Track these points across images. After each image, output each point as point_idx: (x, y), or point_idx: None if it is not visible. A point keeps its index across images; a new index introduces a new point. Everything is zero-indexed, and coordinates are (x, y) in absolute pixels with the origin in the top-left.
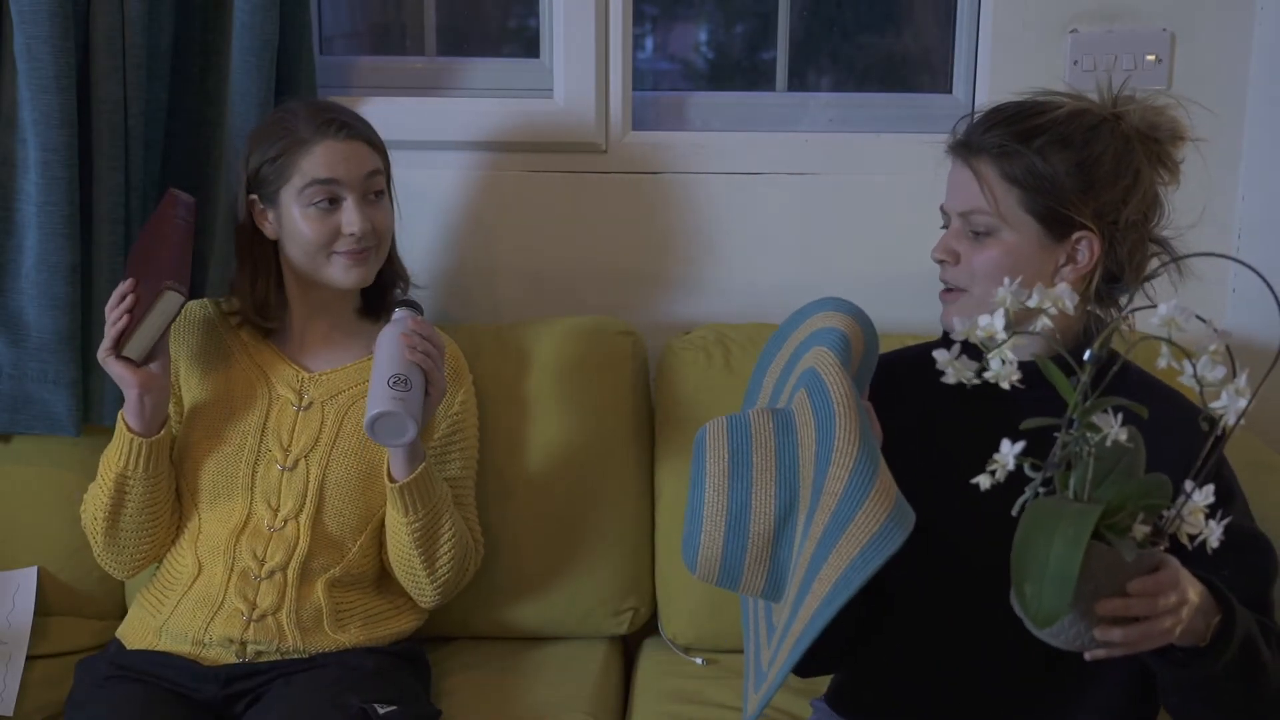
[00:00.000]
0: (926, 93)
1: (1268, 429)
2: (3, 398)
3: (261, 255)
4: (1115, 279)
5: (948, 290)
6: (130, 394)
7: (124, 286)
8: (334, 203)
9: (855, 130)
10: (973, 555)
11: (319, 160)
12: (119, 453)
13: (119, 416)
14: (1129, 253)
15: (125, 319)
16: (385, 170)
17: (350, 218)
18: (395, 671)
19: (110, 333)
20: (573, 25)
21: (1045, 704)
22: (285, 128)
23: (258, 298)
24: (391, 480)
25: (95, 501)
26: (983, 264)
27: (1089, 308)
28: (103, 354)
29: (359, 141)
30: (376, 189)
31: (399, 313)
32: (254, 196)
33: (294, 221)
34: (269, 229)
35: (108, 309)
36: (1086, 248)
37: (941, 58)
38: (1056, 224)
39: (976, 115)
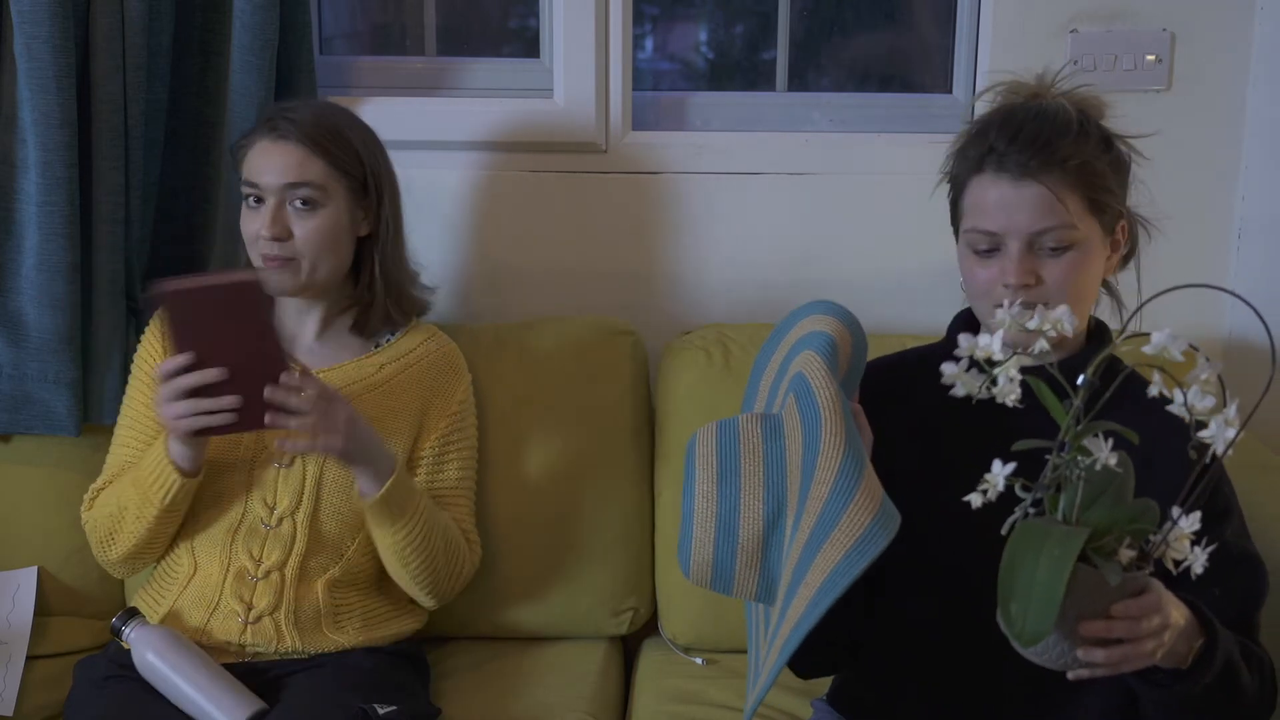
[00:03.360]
0: (926, 93)
1: (1268, 432)
2: (3, 398)
3: None
4: (1127, 256)
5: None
6: (196, 454)
7: (212, 374)
8: (260, 202)
9: (855, 130)
10: (970, 559)
11: (252, 159)
12: (164, 491)
13: (167, 460)
14: (1134, 230)
15: (229, 420)
16: (344, 188)
17: (261, 220)
18: (395, 671)
19: (200, 420)
20: (573, 25)
21: (1042, 707)
22: (263, 116)
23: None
24: (363, 496)
25: (125, 529)
26: (1062, 277)
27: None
28: (181, 433)
29: (293, 144)
30: (306, 199)
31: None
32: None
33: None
34: None
35: (185, 389)
36: (1123, 232)
37: (941, 58)
38: (1110, 218)
39: (1006, 130)
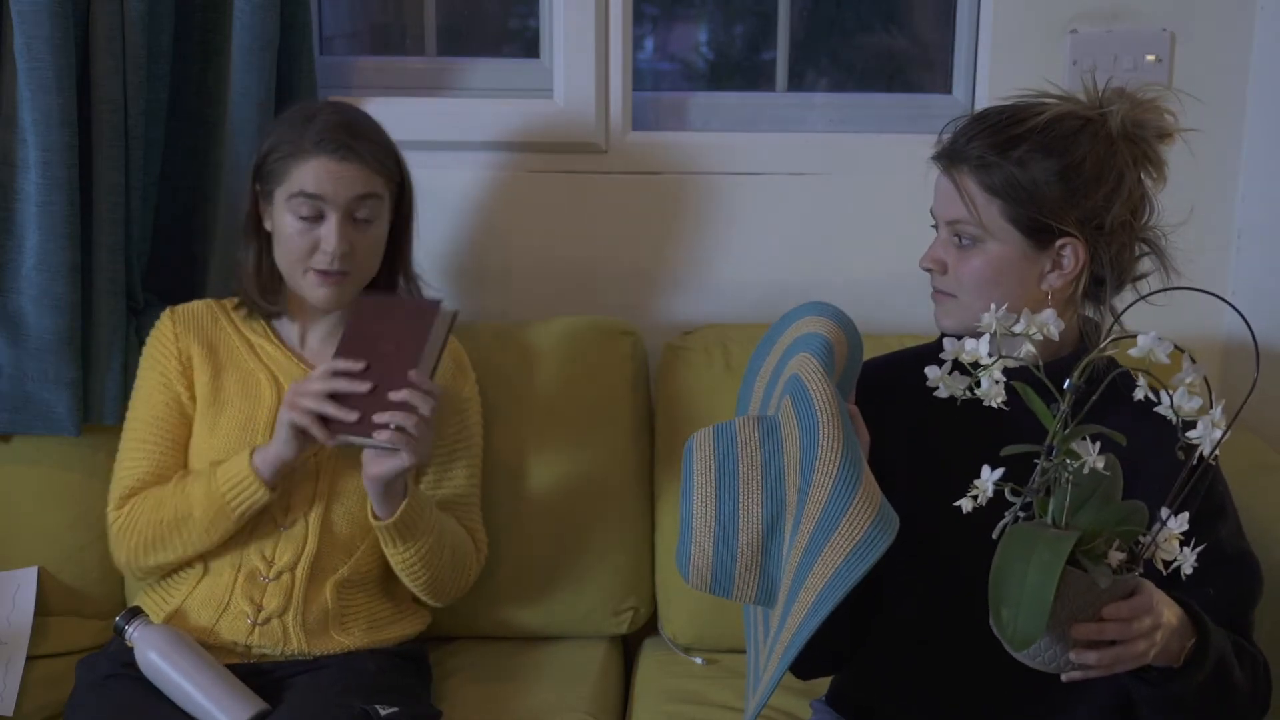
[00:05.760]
0: (926, 93)
1: (1268, 429)
2: (3, 398)
3: (266, 240)
4: (1104, 281)
5: (938, 293)
6: (290, 460)
7: (362, 386)
8: (318, 218)
9: (855, 130)
10: (967, 559)
11: (310, 174)
12: (248, 504)
13: (252, 474)
14: (1116, 255)
15: (352, 418)
16: (389, 195)
17: (328, 234)
18: (397, 673)
19: (328, 407)
20: (573, 25)
21: (1041, 706)
22: (297, 129)
23: (262, 280)
24: (376, 518)
25: (183, 539)
26: (968, 273)
27: (1079, 311)
28: (297, 419)
29: (357, 164)
30: (367, 214)
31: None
32: (258, 185)
33: (282, 225)
34: (266, 222)
35: (335, 390)
36: (1071, 254)
37: (941, 58)
38: (1039, 233)
39: (961, 122)
